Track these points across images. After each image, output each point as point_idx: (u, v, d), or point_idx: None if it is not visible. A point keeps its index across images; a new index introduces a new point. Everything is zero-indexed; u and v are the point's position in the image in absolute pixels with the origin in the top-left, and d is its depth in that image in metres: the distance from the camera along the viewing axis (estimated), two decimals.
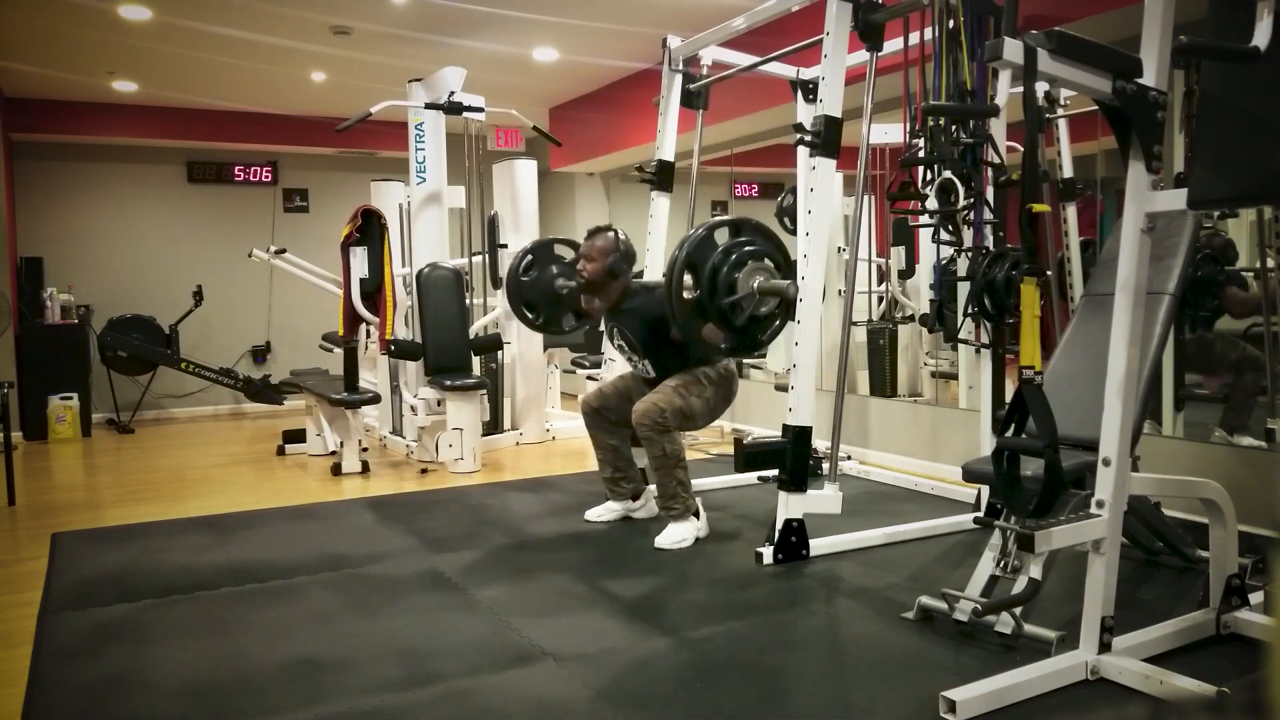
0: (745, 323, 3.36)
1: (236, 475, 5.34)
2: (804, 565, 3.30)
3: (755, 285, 3.32)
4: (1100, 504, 2.27)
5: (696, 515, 3.62)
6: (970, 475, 2.71)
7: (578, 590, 3.08)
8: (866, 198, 3.84)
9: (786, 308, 3.39)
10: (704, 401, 3.65)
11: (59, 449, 6.53)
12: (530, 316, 4.41)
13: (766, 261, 3.37)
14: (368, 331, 6.19)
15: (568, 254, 4.40)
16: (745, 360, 6.86)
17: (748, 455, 4.77)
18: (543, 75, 7.11)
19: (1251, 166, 2.03)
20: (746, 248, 3.35)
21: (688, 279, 3.35)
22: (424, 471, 5.24)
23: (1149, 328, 2.48)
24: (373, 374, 6.40)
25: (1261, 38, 1.97)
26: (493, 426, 6.03)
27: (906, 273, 6.17)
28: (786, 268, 3.43)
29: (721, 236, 3.42)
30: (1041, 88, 4.09)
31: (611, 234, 3.78)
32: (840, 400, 3.58)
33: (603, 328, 4.01)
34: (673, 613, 2.85)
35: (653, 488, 3.74)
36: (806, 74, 4.71)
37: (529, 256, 4.40)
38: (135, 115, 7.70)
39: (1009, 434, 2.27)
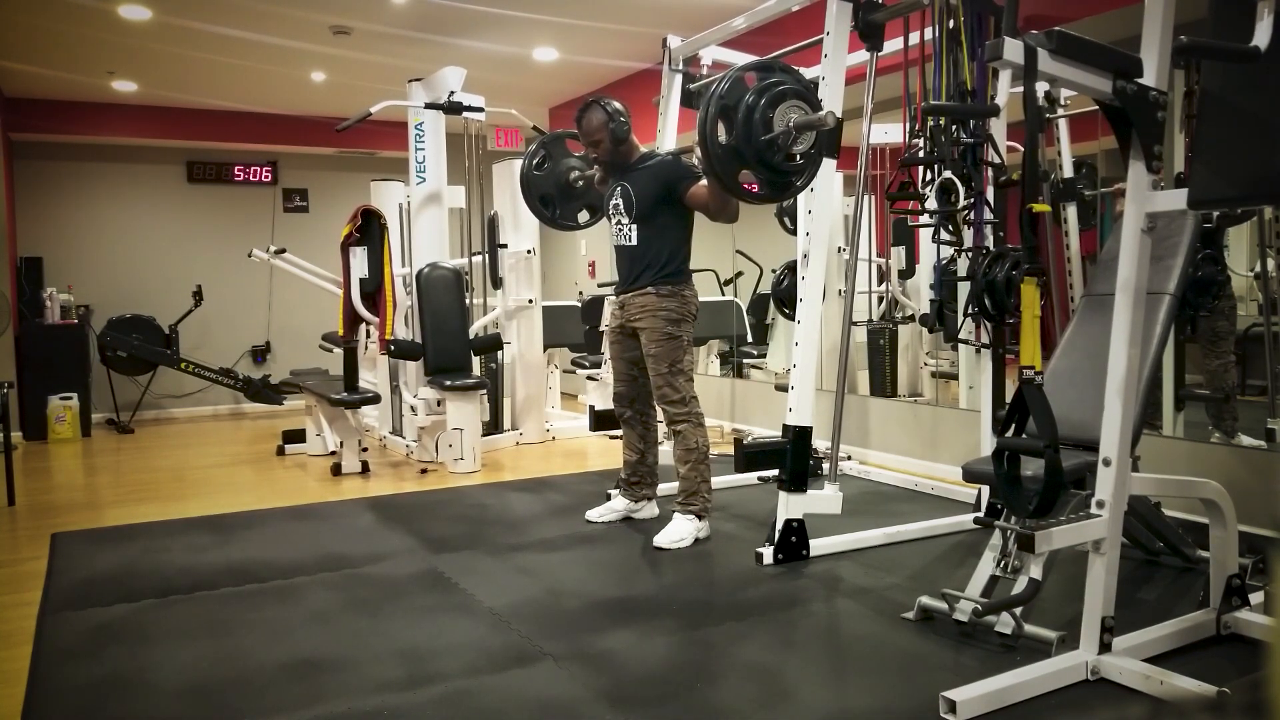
0: (781, 163, 3.22)
1: (236, 475, 5.34)
2: (804, 565, 3.30)
3: (791, 122, 3.18)
4: (1100, 504, 2.27)
5: (701, 516, 3.62)
6: (970, 475, 2.71)
7: (578, 590, 3.08)
8: (866, 198, 3.83)
9: (822, 145, 3.27)
10: (684, 348, 3.63)
11: (59, 449, 6.52)
12: (546, 212, 4.43)
13: (798, 101, 3.22)
14: (368, 331, 6.19)
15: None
16: (745, 360, 6.87)
17: (748, 455, 4.82)
18: (543, 75, 7.12)
19: (1252, 166, 2.03)
20: (778, 86, 3.20)
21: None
22: (424, 471, 5.24)
23: (1149, 328, 2.48)
24: (373, 374, 6.39)
25: (1261, 38, 1.97)
26: (493, 426, 6.03)
27: (906, 273, 6.17)
28: (817, 104, 3.30)
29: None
30: (1041, 88, 4.09)
31: (598, 107, 3.71)
32: (840, 400, 3.58)
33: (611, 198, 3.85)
34: (673, 613, 2.84)
35: (666, 486, 3.69)
36: (807, 74, 4.70)
37: (541, 151, 4.40)
38: (135, 115, 7.71)
39: (1009, 434, 2.27)
